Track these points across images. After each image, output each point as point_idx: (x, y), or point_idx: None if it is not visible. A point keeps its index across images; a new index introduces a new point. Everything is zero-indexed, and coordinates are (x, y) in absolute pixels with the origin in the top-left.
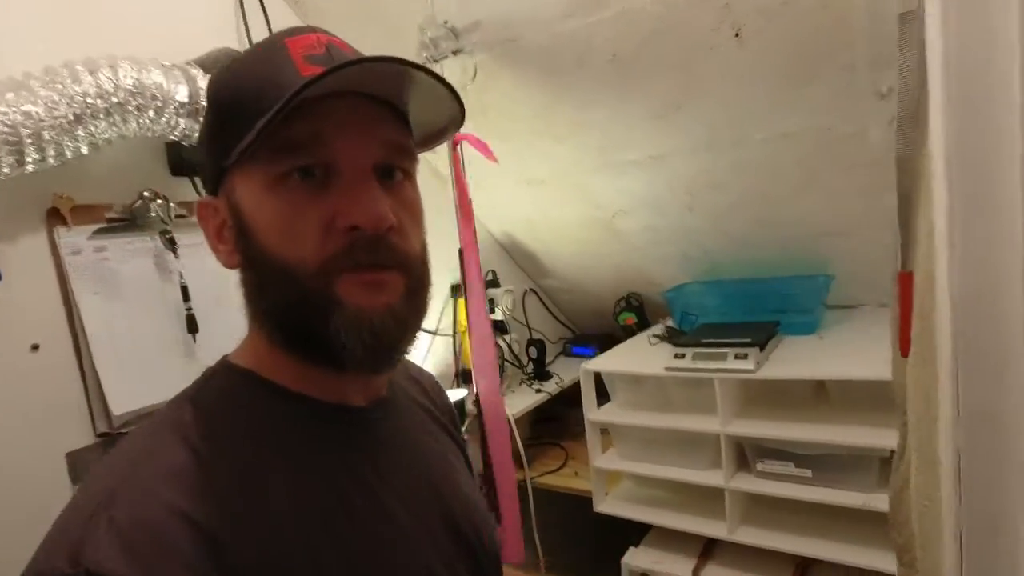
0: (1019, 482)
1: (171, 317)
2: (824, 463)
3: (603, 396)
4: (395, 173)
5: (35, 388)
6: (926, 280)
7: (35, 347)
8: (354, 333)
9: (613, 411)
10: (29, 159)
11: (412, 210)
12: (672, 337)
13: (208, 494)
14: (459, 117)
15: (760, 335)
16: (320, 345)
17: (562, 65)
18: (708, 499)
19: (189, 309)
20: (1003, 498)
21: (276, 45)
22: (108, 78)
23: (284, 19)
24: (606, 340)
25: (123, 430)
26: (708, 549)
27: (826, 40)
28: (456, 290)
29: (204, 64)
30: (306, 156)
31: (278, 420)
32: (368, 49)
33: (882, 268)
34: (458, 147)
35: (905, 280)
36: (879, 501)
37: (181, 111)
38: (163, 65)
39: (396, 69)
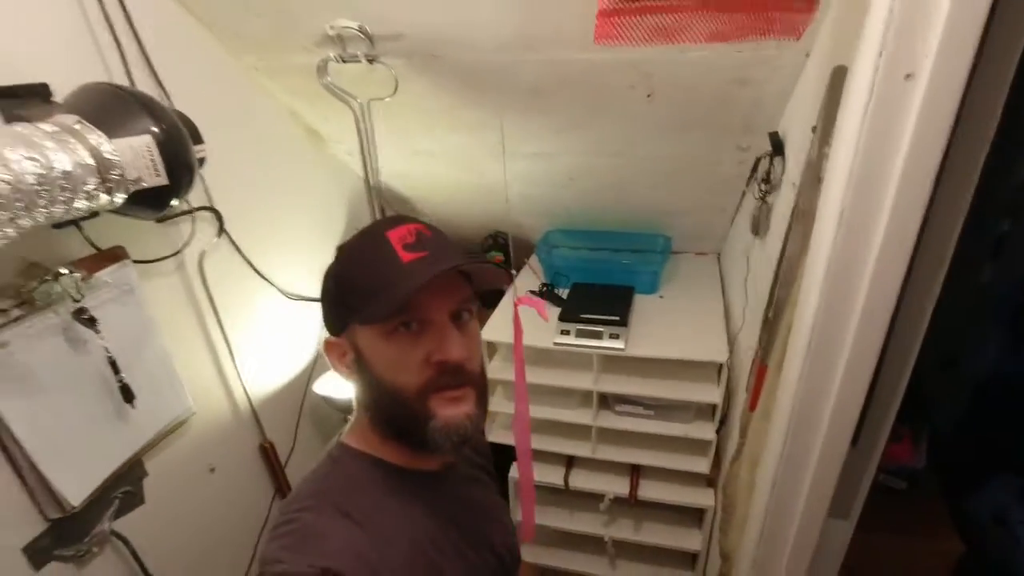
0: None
1: (97, 389)
2: (662, 407)
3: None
4: (463, 315)
5: None
6: (775, 369)
7: None
8: (444, 437)
9: (501, 367)
10: None
11: (476, 341)
12: (548, 296)
13: (364, 540)
14: (502, 274)
15: (622, 308)
16: (420, 442)
17: (482, 85)
18: (572, 429)
19: (121, 380)
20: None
21: (379, 237)
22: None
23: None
24: None
25: (76, 510)
26: (570, 463)
27: (717, 109)
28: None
29: (75, 105)
30: (408, 315)
31: (389, 486)
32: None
33: (702, 233)
34: (517, 308)
35: (761, 371)
36: (693, 431)
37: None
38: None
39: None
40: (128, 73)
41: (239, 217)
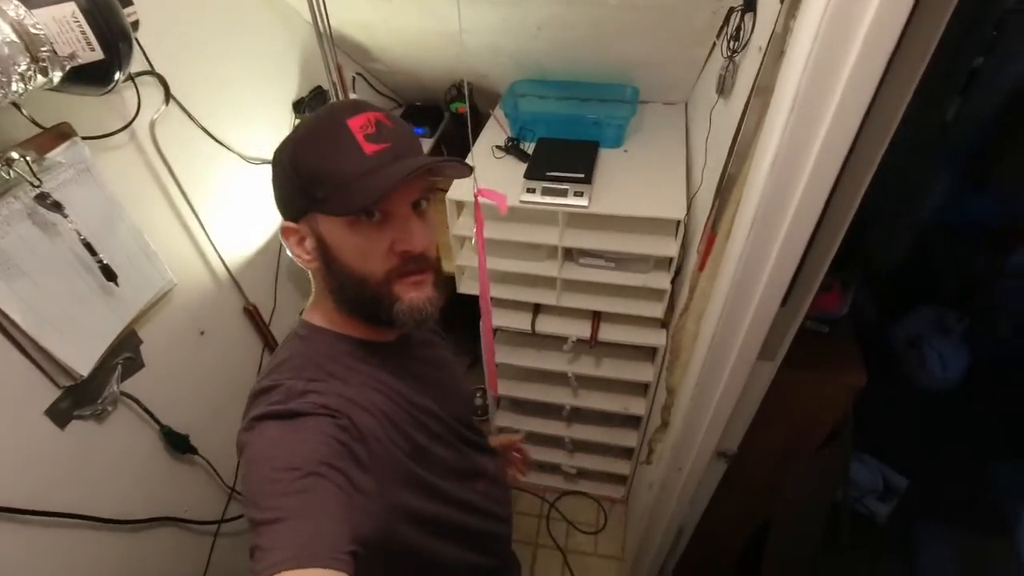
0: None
1: (78, 270)
2: (623, 259)
3: None
4: (422, 204)
5: None
6: (723, 238)
7: None
8: (408, 317)
9: (464, 223)
10: None
11: (433, 229)
12: (513, 151)
13: (348, 392)
14: (462, 168)
15: (587, 164)
16: (385, 321)
17: None
18: (538, 280)
19: (100, 261)
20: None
21: (339, 124)
22: None
23: None
24: (434, 114)
25: (85, 378)
26: (536, 310)
27: None
28: (297, 107)
29: None
30: (371, 206)
31: (356, 356)
32: None
33: (671, 83)
34: (478, 199)
35: (711, 239)
36: (651, 280)
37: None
38: None
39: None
40: None
41: (186, 80)
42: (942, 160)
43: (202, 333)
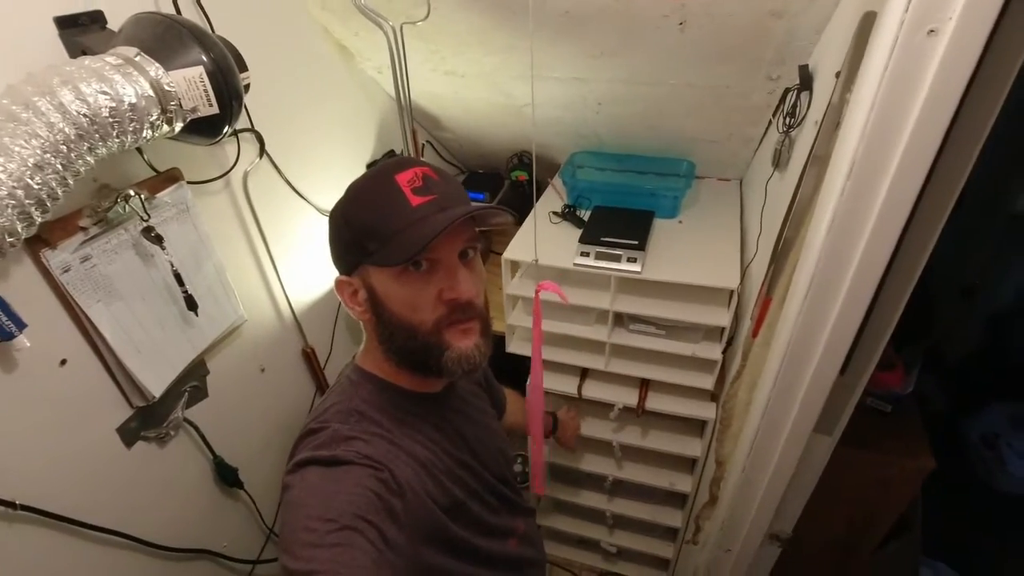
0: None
1: (166, 298)
2: (673, 327)
3: None
4: (469, 253)
5: (70, 391)
6: (778, 303)
7: (63, 362)
8: (457, 366)
9: (520, 284)
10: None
11: (481, 277)
12: (569, 218)
13: (389, 446)
14: (506, 216)
15: (641, 232)
16: (434, 370)
17: (512, 6)
18: (587, 344)
19: (185, 291)
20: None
21: (388, 180)
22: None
23: None
24: (494, 181)
25: (156, 400)
26: (584, 374)
27: (750, 41)
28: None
29: (131, 35)
30: (419, 256)
31: (403, 406)
32: None
33: (726, 160)
34: (539, 295)
35: (766, 302)
36: (701, 351)
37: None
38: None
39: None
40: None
41: (278, 138)
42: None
43: (263, 370)
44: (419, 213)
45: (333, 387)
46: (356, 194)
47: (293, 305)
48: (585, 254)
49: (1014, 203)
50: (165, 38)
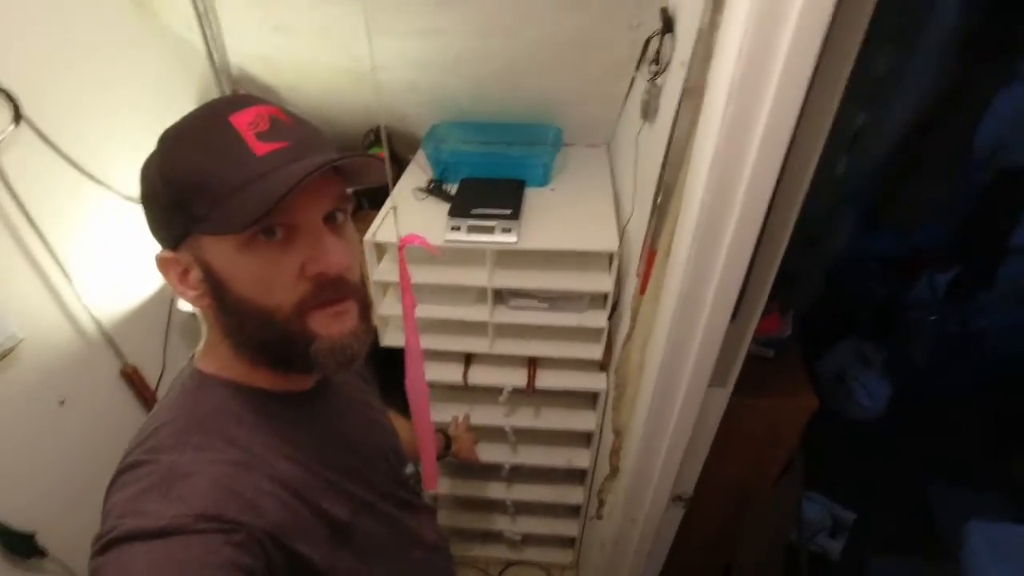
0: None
1: None
2: (556, 299)
3: None
4: (338, 216)
5: None
6: (663, 254)
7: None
8: (329, 358)
9: (390, 269)
10: None
11: (354, 246)
12: (436, 192)
13: (238, 472)
14: (381, 168)
15: (514, 201)
16: (301, 365)
17: None
18: (468, 327)
19: None
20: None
21: (220, 122)
22: None
23: None
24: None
25: None
26: (468, 360)
27: None
28: None
29: None
30: (271, 220)
31: (262, 412)
32: None
33: (593, 123)
34: (403, 251)
35: (651, 255)
36: (587, 320)
37: None
38: None
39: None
40: None
41: (44, 103)
42: (842, 205)
43: (62, 402)
44: (266, 164)
45: (163, 400)
46: (176, 142)
47: (98, 316)
48: (456, 228)
49: (834, 167)
50: None
